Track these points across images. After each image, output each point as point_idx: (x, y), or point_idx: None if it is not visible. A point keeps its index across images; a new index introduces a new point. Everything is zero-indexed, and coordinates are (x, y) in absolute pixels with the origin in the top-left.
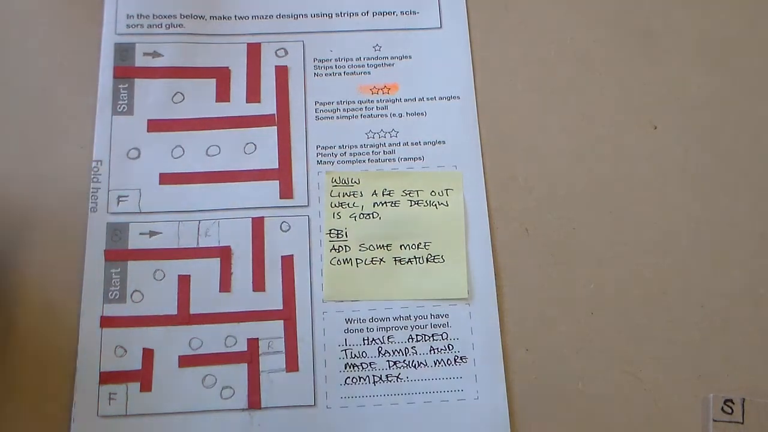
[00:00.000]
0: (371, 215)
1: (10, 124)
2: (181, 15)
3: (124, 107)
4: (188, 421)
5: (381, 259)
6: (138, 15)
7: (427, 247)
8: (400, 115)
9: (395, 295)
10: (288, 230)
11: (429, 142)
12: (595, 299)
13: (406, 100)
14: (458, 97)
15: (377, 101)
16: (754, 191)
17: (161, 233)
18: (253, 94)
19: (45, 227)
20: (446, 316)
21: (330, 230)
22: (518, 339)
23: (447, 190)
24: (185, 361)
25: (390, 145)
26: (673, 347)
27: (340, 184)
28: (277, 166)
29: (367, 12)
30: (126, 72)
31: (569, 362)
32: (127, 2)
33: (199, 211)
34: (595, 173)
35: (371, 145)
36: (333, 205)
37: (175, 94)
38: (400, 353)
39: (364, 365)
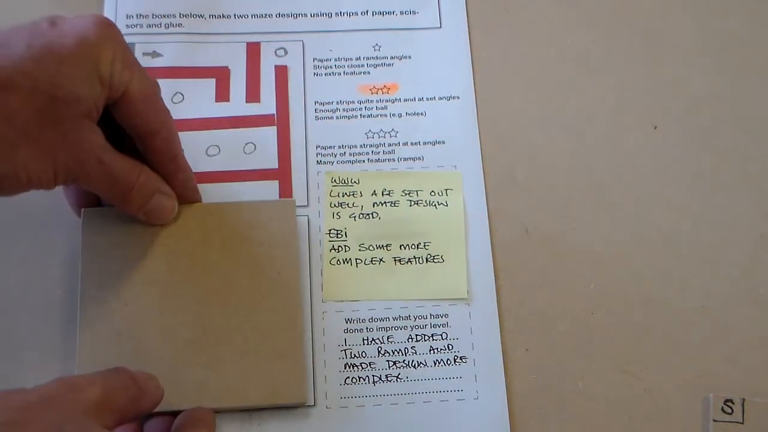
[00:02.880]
0: (371, 215)
1: None
2: (180, 14)
3: None
4: None
5: (381, 259)
6: (137, 15)
7: (426, 247)
8: (400, 115)
9: (395, 295)
10: None
11: (429, 142)
12: (595, 299)
13: (405, 100)
14: (458, 97)
15: (377, 101)
16: (754, 191)
17: None
18: (253, 94)
19: (46, 228)
20: (446, 316)
21: (330, 230)
22: (518, 339)
23: (447, 190)
24: None
25: (390, 145)
26: (673, 347)
27: (340, 184)
28: (277, 166)
29: (367, 12)
30: None
31: (569, 362)
32: (126, 2)
33: None
34: (595, 173)
35: (371, 145)
36: (333, 205)
37: (175, 94)
38: (400, 353)
39: (364, 365)
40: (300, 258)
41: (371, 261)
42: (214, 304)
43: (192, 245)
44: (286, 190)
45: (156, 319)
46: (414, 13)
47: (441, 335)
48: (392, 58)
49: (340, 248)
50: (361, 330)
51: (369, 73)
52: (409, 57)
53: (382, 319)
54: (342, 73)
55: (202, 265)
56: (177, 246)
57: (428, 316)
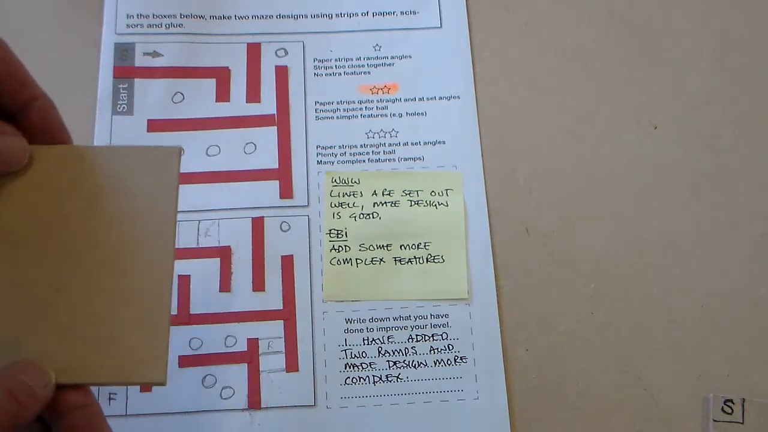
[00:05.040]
0: (371, 215)
1: None
2: (181, 15)
3: (124, 107)
4: (188, 421)
5: (381, 259)
6: (138, 15)
7: (427, 247)
8: (400, 115)
9: (395, 295)
10: (288, 230)
11: (429, 142)
12: (595, 299)
13: (406, 100)
14: (458, 97)
15: (377, 101)
16: (754, 191)
17: None
18: (253, 94)
19: None
20: (446, 316)
21: (330, 230)
22: (518, 339)
23: (447, 190)
24: (185, 361)
25: (390, 145)
26: (673, 347)
27: (340, 184)
28: (277, 166)
29: (367, 12)
30: (126, 72)
31: (569, 362)
32: (127, 2)
33: (199, 211)
34: (595, 173)
35: (371, 145)
36: (333, 205)
37: (175, 94)
38: (400, 353)
39: (364, 365)
40: (177, 214)
41: (371, 261)
42: (73, 261)
43: (55, 193)
44: (286, 190)
45: (2, 276)
46: (414, 13)
47: (441, 335)
48: (392, 58)
49: (340, 248)
50: (361, 330)
51: (369, 73)
52: (410, 57)
53: (382, 319)
54: (342, 73)
55: (65, 217)
56: (37, 193)
57: (428, 316)
